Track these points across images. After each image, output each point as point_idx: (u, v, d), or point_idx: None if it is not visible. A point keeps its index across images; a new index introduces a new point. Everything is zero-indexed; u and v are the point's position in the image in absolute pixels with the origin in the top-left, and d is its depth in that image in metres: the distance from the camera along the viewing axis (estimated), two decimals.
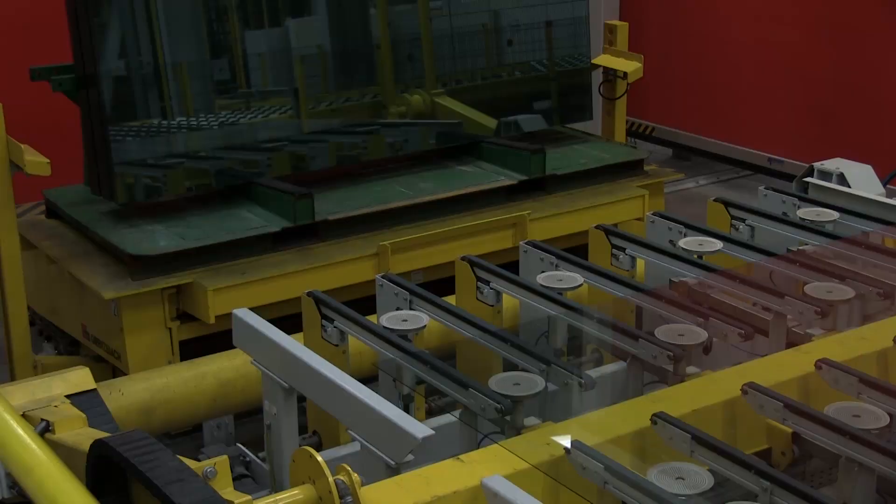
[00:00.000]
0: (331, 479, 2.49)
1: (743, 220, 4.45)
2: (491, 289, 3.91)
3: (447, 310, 3.69)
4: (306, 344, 3.53)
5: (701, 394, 3.12)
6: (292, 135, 5.89)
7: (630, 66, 6.86)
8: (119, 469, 2.48)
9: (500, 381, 3.11)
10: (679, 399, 3.09)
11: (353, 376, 3.15)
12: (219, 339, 4.78)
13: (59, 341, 5.79)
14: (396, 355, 3.41)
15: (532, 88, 6.72)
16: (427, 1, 6.21)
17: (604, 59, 6.98)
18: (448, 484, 2.66)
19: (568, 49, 6.78)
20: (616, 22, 7.15)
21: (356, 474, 2.52)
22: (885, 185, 5.13)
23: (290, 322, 3.88)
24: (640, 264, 4.21)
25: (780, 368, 3.27)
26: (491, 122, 6.51)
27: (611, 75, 6.97)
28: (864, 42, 8.26)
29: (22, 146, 4.94)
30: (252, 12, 5.73)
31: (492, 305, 3.92)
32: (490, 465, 2.74)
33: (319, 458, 2.52)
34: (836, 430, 2.78)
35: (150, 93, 5.44)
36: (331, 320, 3.71)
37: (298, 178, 5.79)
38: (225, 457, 2.48)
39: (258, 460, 3.79)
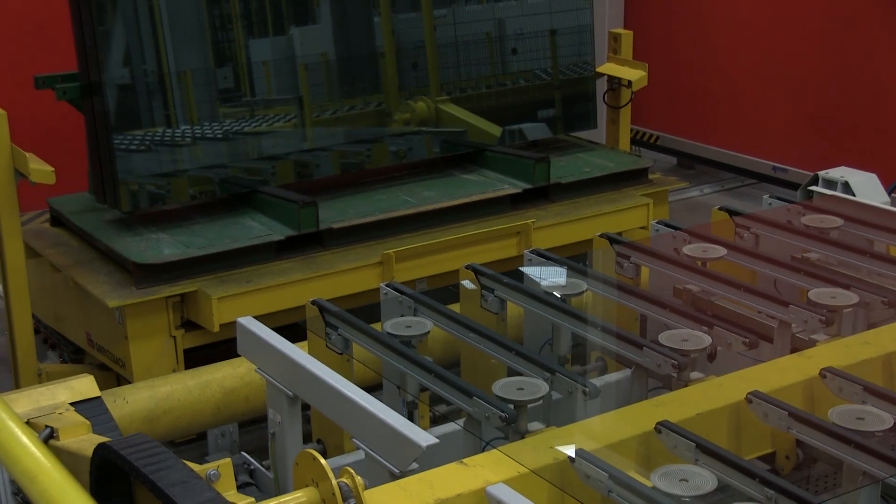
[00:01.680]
0: (334, 481, 2.49)
1: (747, 229, 4.44)
2: (495, 297, 3.91)
3: (451, 318, 3.69)
4: (310, 352, 3.53)
5: (705, 398, 3.12)
6: (296, 143, 5.90)
7: (634, 74, 6.87)
8: (122, 473, 2.48)
9: (504, 386, 3.11)
10: (683, 403, 3.09)
11: (357, 384, 3.14)
12: (223, 348, 4.79)
13: (64, 349, 5.79)
14: (400, 363, 3.41)
15: (536, 97, 6.72)
16: (431, 9, 6.21)
17: (608, 68, 6.98)
18: (452, 487, 2.66)
19: (572, 57, 6.78)
20: (620, 30, 7.15)
21: (359, 477, 2.52)
22: (889, 194, 5.12)
23: (294, 330, 3.88)
24: (645, 272, 4.21)
25: (784, 373, 3.27)
26: (495, 131, 6.51)
27: (615, 84, 6.97)
28: (868, 51, 8.26)
29: (27, 154, 4.95)
30: (256, 20, 5.74)
31: (496, 313, 3.92)
32: (494, 468, 2.74)
33: (323, 461, 2.52)
34: (841, 439, 2.77)
35: (155, 101, 5.44)
36: (335, 328, 3.71)
37: (302, 187, 5.79)
38: (228, 459, 2.48)
39: (262, 469, 3.79)
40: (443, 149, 6.37)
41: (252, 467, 3.84)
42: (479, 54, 6.47)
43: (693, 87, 9.61)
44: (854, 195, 4.86)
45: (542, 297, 3.80)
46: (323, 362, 3.29)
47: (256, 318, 3.63)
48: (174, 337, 5.08)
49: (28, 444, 2.58)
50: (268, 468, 3.70)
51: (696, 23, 9.52)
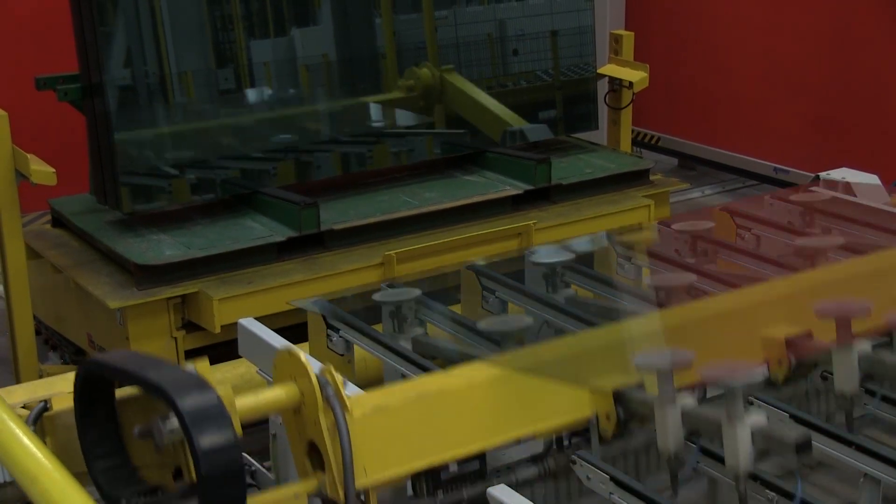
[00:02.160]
0: (313, 375, 2.50)
1: (748, 230, 4.44)
2: (496, 298, 3.90)
3: (451, 318, 3.68)
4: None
5: (692, 311, 3.13)
6: (297, 144, 5.90)
7: (636, 75, 6.86)
8: (106, 391, 2.51)
9: (489, 322, 3.12)
10: (671, 317, 3.08)
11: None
12: (224, 349, 4.78)
13: (65, 350, 5.79)
14: (402, 365, 3.41)
15: (537, 98, 6.72)
16: (432, 10, 6.21)
17: (609, 69, 6.98)
18: (435, 385, 2.69)
19: (573, 58, 6.79)
20: (622, 31, 7.15)
21: (339, 375, 2.53)
22: (890, 195, 5.12)
23: (295, 332, 3.88)
24: (646, 273, 4.20)
25: (771, 289, 3.25)
26: (499, 128, 6.51)
27: (616, 85, 6.97)
28: (869, 52, 8.25)
29: (28, 155, 4.95)
30: (257, 22, 5.74)
31: (497, 314, 3.91)
32: (477, 373, 2.74)
33: (302, 356, 2.53)
34: (846, 443, 2.77)
35: (156, 102, 5.45)
36: (336, 330, 3.70)
37: (303, 188, 5.79)
38: (205, 357, 2.50)
39: (263, 470, 3.78)
40: (444, 150, 6.37)
41: (253, 468, 3.83)
42: (479, 55, 6.47)
43: (694, 89, 9.61)
44: (855, 196, 4.85)
45: (542, 298, 3.79)
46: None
47: (258, 319, 3.63)
48: (175, 338, 5.08)
49: (29, 445, 2.57)
50: (269, 469, 3.69)
51: (697, 24, 9.52)
